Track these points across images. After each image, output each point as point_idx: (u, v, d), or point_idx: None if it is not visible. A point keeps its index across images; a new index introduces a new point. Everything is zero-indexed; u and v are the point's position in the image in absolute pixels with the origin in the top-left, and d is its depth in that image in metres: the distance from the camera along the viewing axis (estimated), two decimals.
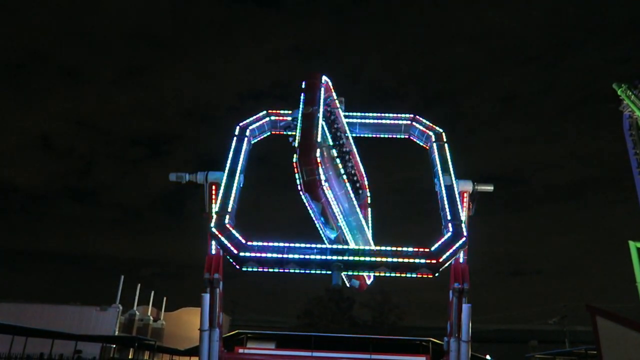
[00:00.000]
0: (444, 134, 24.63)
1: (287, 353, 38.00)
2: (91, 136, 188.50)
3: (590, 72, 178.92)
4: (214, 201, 24.26)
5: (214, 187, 24.32)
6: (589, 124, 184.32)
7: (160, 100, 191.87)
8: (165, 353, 66.44)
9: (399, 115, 25.69)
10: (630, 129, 40.26)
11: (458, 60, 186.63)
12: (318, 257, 19.59)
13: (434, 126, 24.92)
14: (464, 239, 20.29)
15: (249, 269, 19.84)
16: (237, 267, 19.83)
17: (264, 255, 19.51)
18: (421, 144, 25.29)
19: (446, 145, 24.17)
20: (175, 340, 67.91)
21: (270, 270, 19.82)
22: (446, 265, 19.71)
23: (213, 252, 24.05)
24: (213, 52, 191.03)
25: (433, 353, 41.17)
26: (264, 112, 25.36)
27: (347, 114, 25.63)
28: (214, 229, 20.45)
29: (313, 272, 20.04)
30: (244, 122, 24.95)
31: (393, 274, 19.57)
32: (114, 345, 58.76)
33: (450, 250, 19.71)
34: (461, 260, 24.03)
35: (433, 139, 24.43)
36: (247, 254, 19.50)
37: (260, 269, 19.72)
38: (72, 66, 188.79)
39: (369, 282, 26.96)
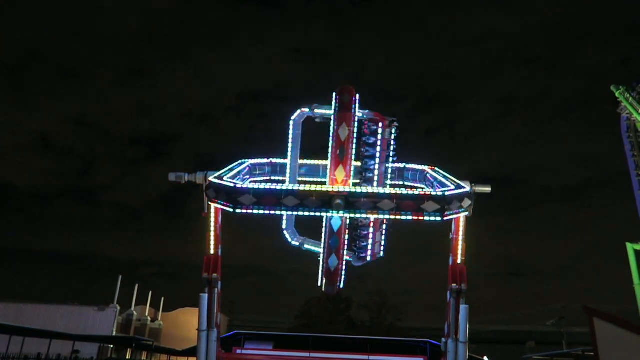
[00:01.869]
0: (436, 167, 24.34)
1: (284, 354, 37.84)
2: (90, 136, 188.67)
3: (588, 75, 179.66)
4: (213, 201, 24.31)
5: None
6: (588, 126, 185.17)
7: (159, 101, 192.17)
8: (163, 353, 66.38)
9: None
10: (628, 130, 40.39)
11: (457, 62, 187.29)
12: (318, 188, 19.32)
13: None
14: (468, 188, 20.05)
15: (245, 209, 19.25)
16: (231, 208, 19.31)
17: (261, 187, 19.11)
18: (415, 184, 24.88)
19: (441, 171, 23.93)
20: (173, 341, 67.84)
21: (267, 211, 19.27)
22: (453, 210, 19.20)
23: (212, 251, 24.14)
24: (213, 52, 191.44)
25: (431, 354, 41.06)
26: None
27: None
28: (211, 179, 20.09)
29: (312, 213, 19.40)
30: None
31: (397, 215, 19.02)
32: (112, 346, 58.69)
33: (457, 192, 19.39)
34: (459, 260, 24.17)
35: (427, 170, 24.26)
36: (244, 186, 19.24)
37: (256, 209, 19.14)
38: (72, 66, 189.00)
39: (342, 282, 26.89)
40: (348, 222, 22.35)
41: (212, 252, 24.07)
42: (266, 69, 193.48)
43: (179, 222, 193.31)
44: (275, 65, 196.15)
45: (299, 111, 23.66)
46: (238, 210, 19.43)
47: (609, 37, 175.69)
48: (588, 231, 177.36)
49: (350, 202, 18.96)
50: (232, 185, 19.22)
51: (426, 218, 19.24)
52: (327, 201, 18.94)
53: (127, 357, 61.66)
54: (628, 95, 39.37)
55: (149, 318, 71.42)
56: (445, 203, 19.03)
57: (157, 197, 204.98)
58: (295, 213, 19.71)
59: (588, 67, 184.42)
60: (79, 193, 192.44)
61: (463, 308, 23.41)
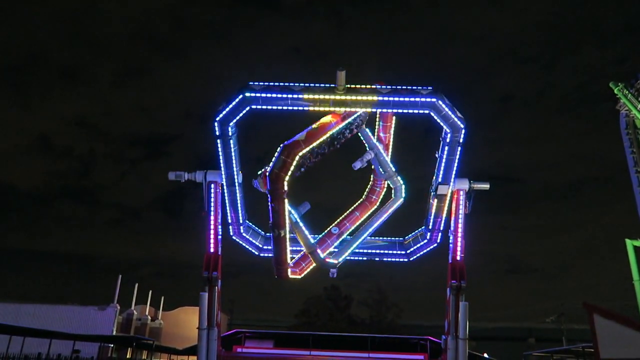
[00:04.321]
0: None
1: (285, 352, 37.95)
2: (90, 136, 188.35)
3: (587, 72, 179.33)
4: (212, 200, 24.45)
5: (212, 186, 24.41)
6: (586, 124, 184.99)
7: (159, 101, 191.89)
8: (164, 352, 66.39)
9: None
10: (626, 127, 40.40)
11: (456, 61, 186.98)
12: (323, 84, 21.17)
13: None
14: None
15: (254, 91, 21.34)
16: (241, 93, 21.33)
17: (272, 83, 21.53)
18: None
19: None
20: (173, 340, 67.83)
21: (277, 94, 21.34)
22: (446, 103, 21.64)
23: (212, 250, 24.19)
24: (212, 52, 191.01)
25: (431, 351, 41.13)
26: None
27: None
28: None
29: (318, 96, 21.23)
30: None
31: (393, 97, 21.18)
32: (112, 345, 58.65)
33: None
34: (458, 257, 24.28)
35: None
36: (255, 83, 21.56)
37: (265, 93, 21.41)
38: (71, 67, 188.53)
39: (300, 275, 27.00)
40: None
41: (212, 250, 24.15)
42: (265, 68, 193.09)
43: (179, 221, 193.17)
44: (274, 65, 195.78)
45: None
46: (248, 94, 21.15)
47: (607, 36, 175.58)
48: (587, 228, 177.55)
49: (350, 89, 21.18)
50: (241, 87, 21.46)
51: (421, 99, 21.26)
52: (329, 89, 21.06)
53: (128, 357, 61.66)
54: (627, 92, 39.38)
55: (149, 317, 71.37)
56: (438, 94, 21.42)
57: (156, 196, 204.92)
58: (300, 95, 21.07)
59: (586, 66, 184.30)
60: (78, 193, 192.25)
61: (462, 305, 23.52)
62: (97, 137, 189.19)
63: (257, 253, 26.24)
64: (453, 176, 24.02)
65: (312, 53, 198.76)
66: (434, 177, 24.54)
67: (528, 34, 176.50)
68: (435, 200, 24.71)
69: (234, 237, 25.84)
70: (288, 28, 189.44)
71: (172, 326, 74.08)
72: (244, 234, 26.24)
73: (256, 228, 27.06)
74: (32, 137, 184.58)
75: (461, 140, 22.74)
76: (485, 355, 55.09)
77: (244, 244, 26.20)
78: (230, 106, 21.74)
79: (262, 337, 47.99)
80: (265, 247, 26.87)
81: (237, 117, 22.18)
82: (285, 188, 20.77)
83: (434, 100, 21.31)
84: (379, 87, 21.35)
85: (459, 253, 24.29)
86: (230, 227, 25.63)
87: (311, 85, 21.30)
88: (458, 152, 23.23)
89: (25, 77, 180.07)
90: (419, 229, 27.30)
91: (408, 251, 27.30)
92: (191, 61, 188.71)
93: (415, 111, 21.96)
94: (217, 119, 22.03)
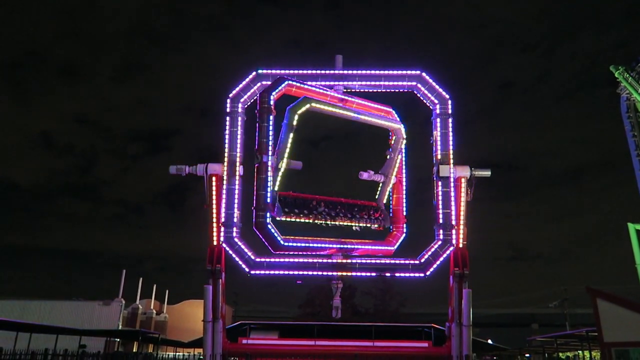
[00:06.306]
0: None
1: (290, 342, 38.11)
2: (91, 133, 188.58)
3: (586, 58, 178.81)
4: (214, 193, 24.44)
5: (214, 179, 24.42)
6: (587, 109, 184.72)
7: (159, 96, 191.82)
8: (169, 345, 66.73)
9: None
10: (628, 111, 40.24)
11: (455, 49, 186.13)
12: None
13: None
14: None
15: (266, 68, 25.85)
16: (254, 79, 25.59)
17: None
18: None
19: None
20: (178, 333, 68.18)
21: (287, 71, 25.80)
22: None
23: (215, 243, 24.26)
24: (212, 46, 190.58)
25: (435, 339, 41.30)
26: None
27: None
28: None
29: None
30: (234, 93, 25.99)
31: (385, 76, 26.05)
32: (118, 339, 58.98)
33: None
34: (460, 244, 24.31)
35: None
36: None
37: (277, 69, 26.01)
38: (71, 64, 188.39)
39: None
40: None
41: (215, 243, 24.22)
42: (264, 62, 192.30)
43: (181, 215, 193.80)
44: (274, 57, 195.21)
45: None
46: (260, 71, 25.99)
47: (606, 21, 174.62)
48: (589, 213, 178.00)
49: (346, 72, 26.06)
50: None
51: (408, 72, 25.59)
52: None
53: (134, 350, 61.99)
54: (627, 75, 39.15)
55: (154, 311, 71.69)
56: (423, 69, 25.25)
57: (158, 191, 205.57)
58: (307, 71, 26.69)
59: (586, 51, 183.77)
60: (80, 190, 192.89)
61: (466, 292, 23.62)
62: (97, 133, 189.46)
63: (247, 270, 24.39)
64: (451, 153, 24.11)
65: (310, 45, 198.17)
66: (434, 161, 24.67)
67: (526, 21, 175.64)
68: (440, 185, 24.51)
69: (224, 245, 24.14)
70: (287, 20, 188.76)
71: (177, 319, 74.44)
72: (235, 239, 24.63)
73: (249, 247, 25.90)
74: (33, 134, 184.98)
75: (450, 111, 24.58)
76: (489, 341, 55.40)
77: (234, 256, 24.25)
78: (244, 83, 24.90)
79: (267, 328, 48.20)
80: (258, 260, 24.89)
81: (248, 94, 25.24)
82: (272, 103, 23.89)
83: (419, 72, 25.03)
84: None
85: (461, 240, 24.34)
86: (222, 228, 24.42)
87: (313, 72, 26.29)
88: (450, 125, 24.50)
89: (25, 74, 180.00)
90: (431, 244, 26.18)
91: (422, 260, 25.24)
92: (190, 55, 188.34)
93: (404, 83, 25.37)
94: (230, 95, 24.73)
